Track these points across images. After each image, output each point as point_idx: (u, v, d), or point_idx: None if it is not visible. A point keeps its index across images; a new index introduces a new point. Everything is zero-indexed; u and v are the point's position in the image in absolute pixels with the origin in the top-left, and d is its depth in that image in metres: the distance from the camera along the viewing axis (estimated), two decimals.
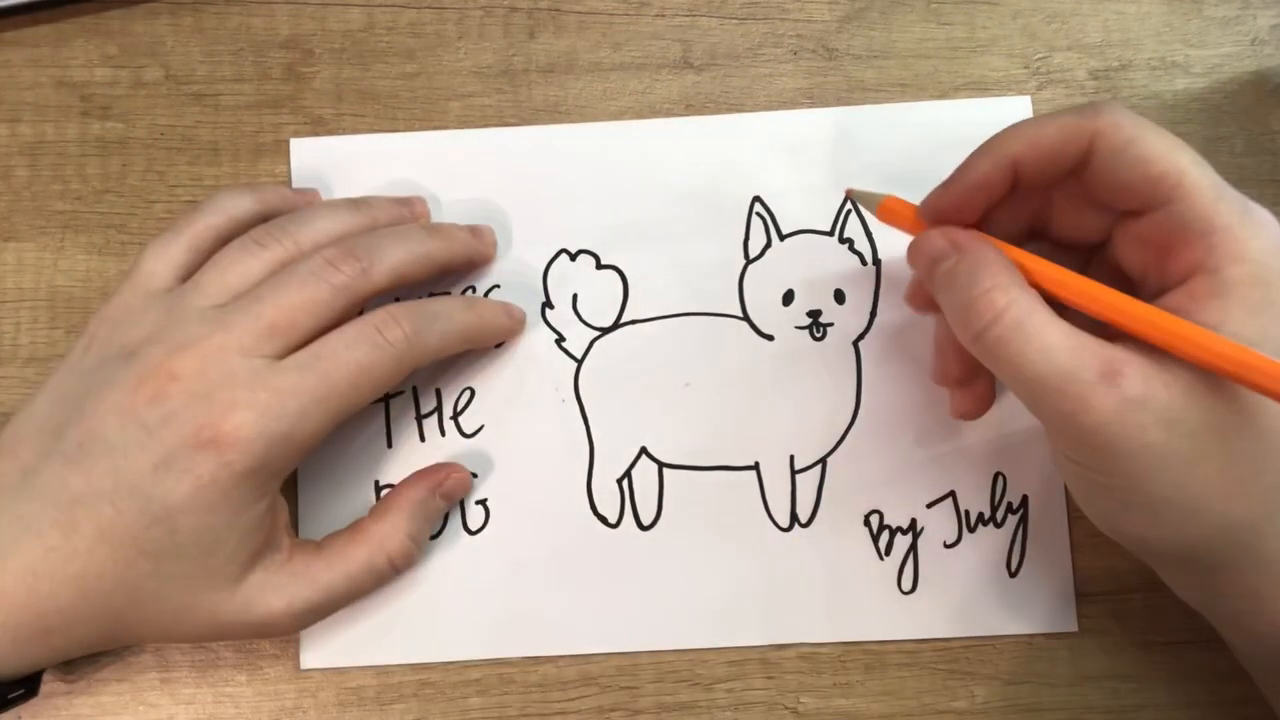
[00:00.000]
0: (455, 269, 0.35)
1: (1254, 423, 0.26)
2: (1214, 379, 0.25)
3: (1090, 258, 0.31)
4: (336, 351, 0.29)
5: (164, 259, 0.32)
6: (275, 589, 0.30)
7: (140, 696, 0.34)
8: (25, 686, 0.30)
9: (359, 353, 0.30)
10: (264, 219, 0.34)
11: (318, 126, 0.37)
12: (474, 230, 0.35)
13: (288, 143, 0.37)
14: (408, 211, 0.35)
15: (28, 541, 0.28)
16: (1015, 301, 0.26)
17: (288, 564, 0.31)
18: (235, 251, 0.31)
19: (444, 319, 0.32)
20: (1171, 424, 0.25)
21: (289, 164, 0.37)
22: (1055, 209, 0.30)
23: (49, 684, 0.34)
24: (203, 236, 0.32)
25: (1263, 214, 0.26)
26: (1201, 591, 0.29)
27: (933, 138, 0.37)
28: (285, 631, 0.32)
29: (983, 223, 0.30)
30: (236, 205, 0.33)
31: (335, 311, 0.30)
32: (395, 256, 0.31)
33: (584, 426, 0.36)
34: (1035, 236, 0.31)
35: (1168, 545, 0.28)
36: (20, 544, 0.28)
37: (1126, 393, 0.25)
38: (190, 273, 0.32)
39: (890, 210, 0.32)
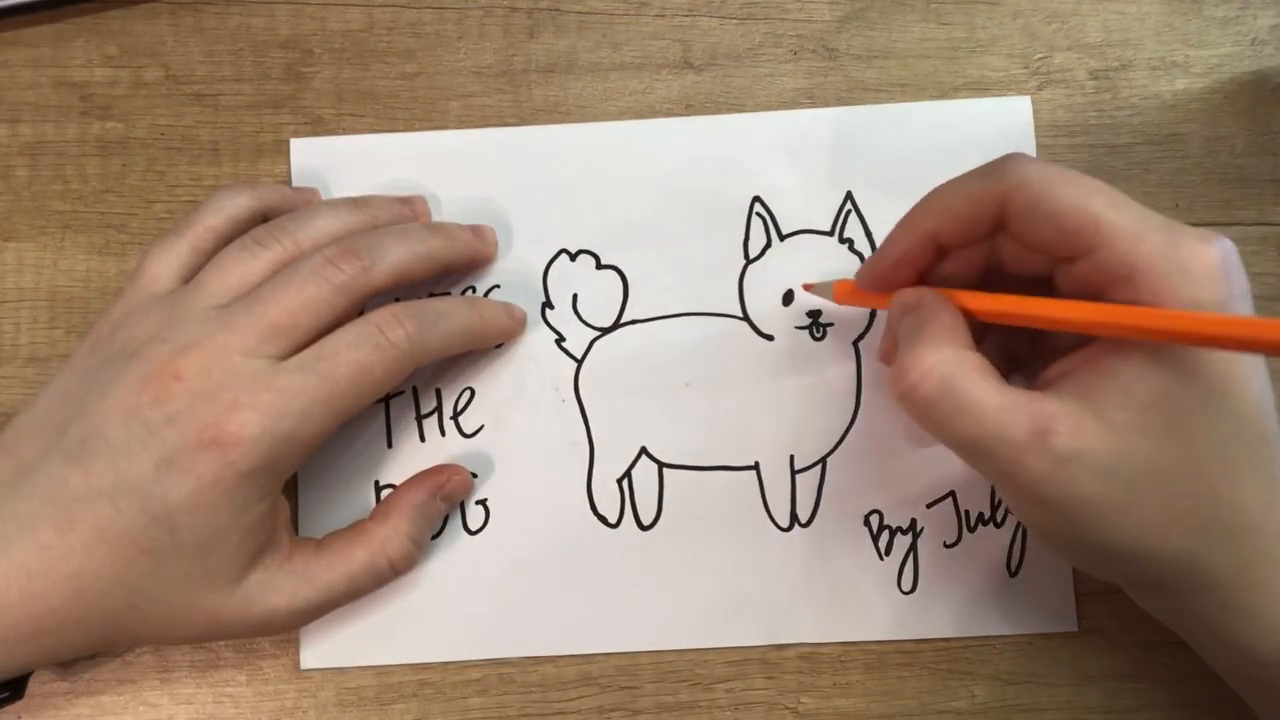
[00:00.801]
0: (457, 268, 0.35)
1: (1190, 461, 0.26)
2: (1147, 423, 0.25)
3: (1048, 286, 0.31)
4: (338, 351, 0.29)
5: (166, 261, 0.32)
6: (275, 588, 0.30)
7: (140, 696, 0.34)
8: (11, 689, 0.30)
9: (361, 353, 0.30)
10: (264, 217, 0.34)
11: (318, 126, 0.37)
12: (475, 230, 0.35)
13: (288, 143, 0.37)
14: (408, 210, 0.35)
15: (22, 540, 0.28)
16: (943, 360, 0.26)
17: (288, 563, 0.31)
18: (236, 252, 0.31)
19: (446, 319, 0.32)
20: (1105, 475, 0.25)
21: (289, 164, 0.37)
22: (1001, 253, 0.30)
23: (49, 684, 0.34)
24: (204, 238, 0.32)
25: (1193, 242, 0.26)
26: (1157, 609, 0.30)
27: (933, 138, 0.37)
28: (284, 630, 0.32)
29: (932, 273, 0.30)
30: (235, 205, 0.33)
31: (337, 311, 0.30)
32: (397, 255, 0.31)
33: (584, 426, 0.36)
34: (994, 273, 0.31)
35: (1116, 576, 0.29)
36: (14, 543, 0.28)
37: (1058, 450, 0.25)
38: (193, 274, 0.32)
39: (845, 292, 0.33)
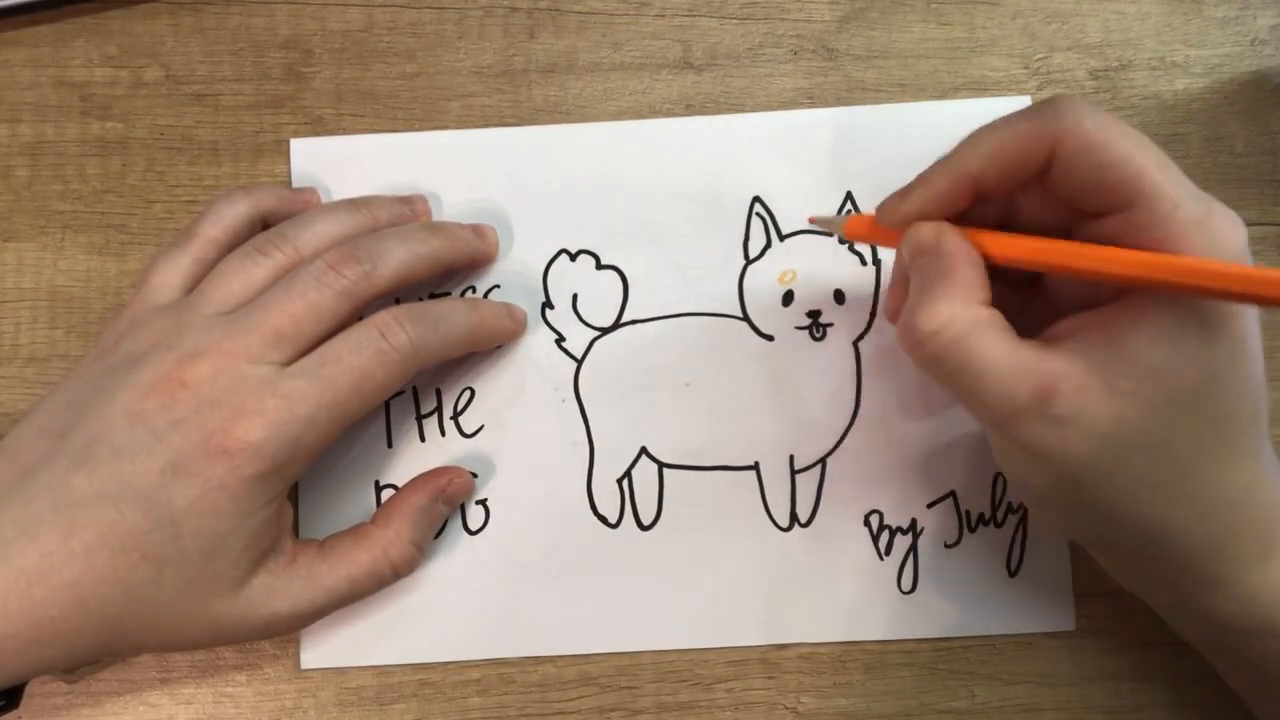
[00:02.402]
0: (458, 268, 0.35)
1: (1185, 435, 0.26)
2: (1150, 393, 0.26)
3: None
4: (341, 357, 0.30)
5: (170, 272, 0.32)
6: (278, 592, 0.30)
7: (140, 696, 0.34)
8: (7, 699, 0.30)
9: (364, 357, 0.30)
10: (264, 222, 0.34)
11: (318, 126, 0.37)
12: (476, 229, 0.35)
13: (288, 143, 0.37)
14: (409, 210, 0.35)
15: (22, 545, 0.27)
16: (957, 319, 0.26)
17: (291, 567, 0.31)
18: (238, 260, 0.31)
19: (447, 321, 0.32)
20: (1101, 438, 0.26)
21: (289, 164, 0.37)
22: (1017, 207, 0.30)
23: (49, 684, 0.34)
24: (206, 249, 0.32)
25: (1223, 221, 0.26)
26: (1128, 576, 0.30)
27: (933, 138, 0.36)
28: (285, 633, 0.32)
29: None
30: (233, 214, 0.33)
31: (339, 315, 0.30)
32: (398, 258, 0.32)
33: (584, 426, 0.36)
34: (1007, 227, 0.31)
35: (1090, 539, 0.30)
36: (14, 548, 0.27)
37: (1058, 413, 0.25)
38: (196, 284, 0.32)
39: (857, 228, 0.31)
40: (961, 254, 0.27)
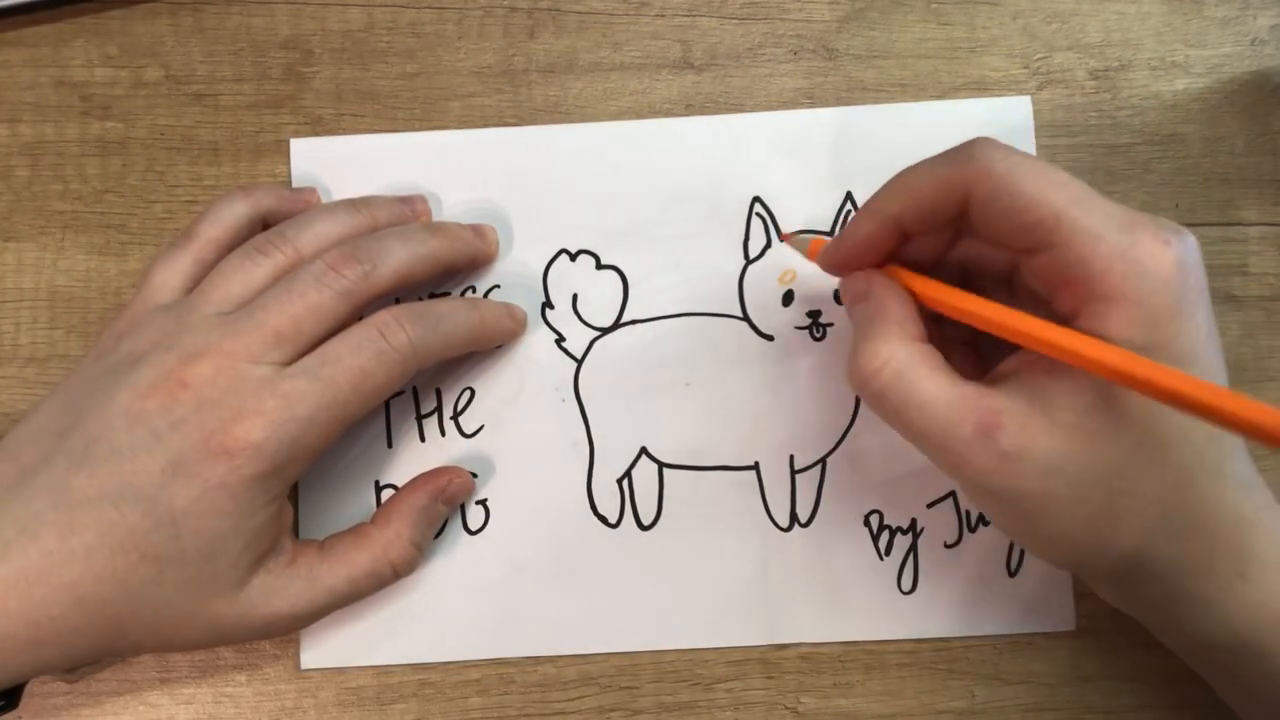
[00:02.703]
0: (458, 268, 0.35)
1: (1136, 462, 0.26)
2: (1094, 424, 0.26)
3: (1012, 281, 0.31)
4: (341, 357, 0.30)
5: (170, 273, 0.32)
6: (278, 592, 0.30)
7: (140, 696, 0.34)
8: (6, 699, 0.30)
9: (363, 358, 0.30)
10: (262, 222, 0.34)
11: (318, 126, 0.37)
12: (476, 229, 0.35)
13: (288, 143, 0.37)
14: (409, 210, 0.35)
15: (22, 545, 0.27)
16: (895, 356, 0.27)
17: (290, 566, 0.31)
18: (238, 260, 0.31)
19: (447, 321, 0.32)
20: (1049, 472, 0.26)
21: (289, 164, 0.37)
22: (964, 243, 0.30)
23: (49, 684, 0.34)
24: (206, 249, 0.32)
25: (1152, 247, 0.26)
26: (1112, 597, 0.30)
27: (933, 138, 0.36)
28: (285, 633, 0.32)
29: (894, 257, 0.30)
30: (233, 214, 0.33)
31: (340, 316, 0.30)
32: (398, 258, 0.32)
33: (584, 426, 0.36)
34: (958, 269, 0.31)
35: (1068, 565, 0.30)
36: (14, 548, 0.27)
37: (1003, 446, 0.26)
38: (196, 284, 0.32)
39: (817, 253, 0.32)
40: (890, 295, 0.29)
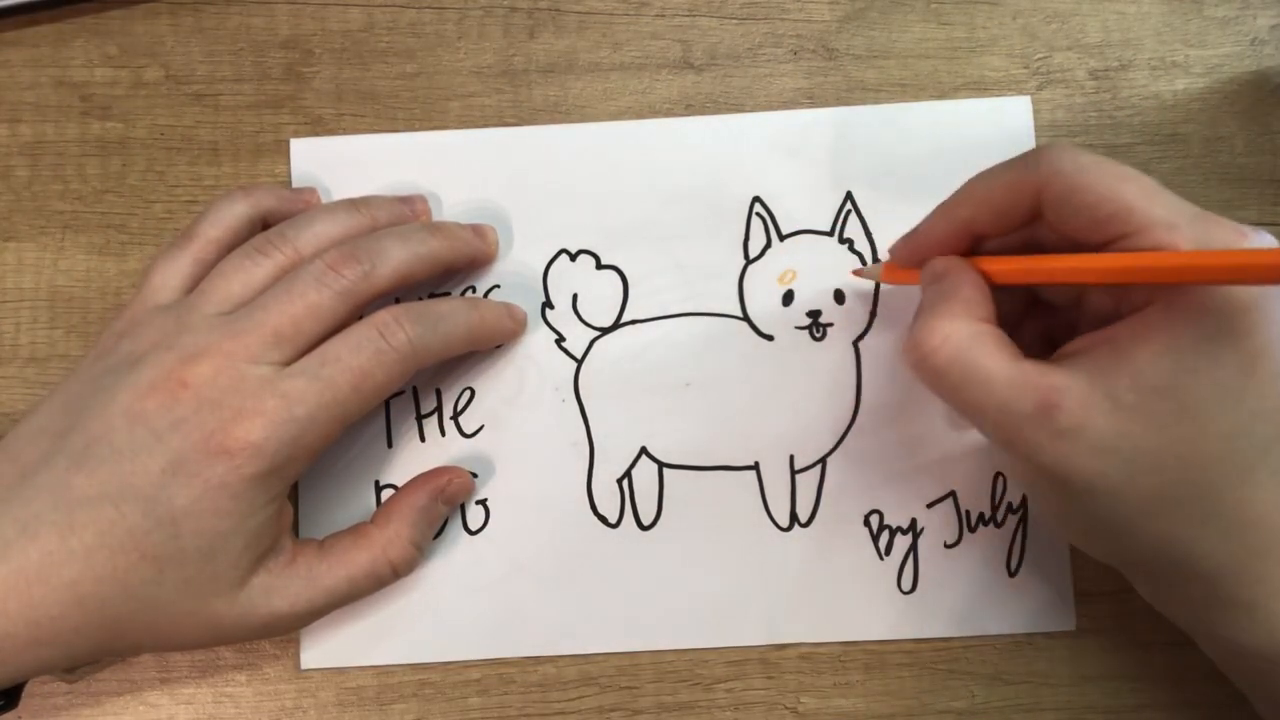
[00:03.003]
0: (458, 268, 0.35)
1: (1195, 451, 0.26)
2: (1155, 408, 0.26)
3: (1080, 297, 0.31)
4: (341, 357, 0.30)
5: (170, 273, 0.32)
6: (277, 591, 0.30)
7: (140, 696, 0.34)
8: (5, 699, 0.30)
9: (363, 357, 0.30)
10: (262, 222, 0.34)
11: (318, 126, 0.37)
12: (476, 229, 0.35)
13: (288, 143, 0.37)
14: (408, 210, 0.35)
15: (22, 545, 0.27)
16: (958, 331, 0.27)
17: (290, 566, 0.31)
18: (238, 260, 0.31)
19: (447, 320, 0.32)
20: (1105, 451, 0.26)
21: (289, 164, 0.37)
22: (1042, 239, 0.30)
23: (49, 684, 0.34)
24: (206, 249, 0.32)
25: (1224, 238, 0.26)
26: (1150, 593, 0.30)
27: (933, 138, 0.37)
28: (284, 633, 0.32)
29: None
30: (233, 214, 0.33)
31: (339, 316, 0.30)
32: (398, 257, 0.32)
33: (584, 426, 0.36)
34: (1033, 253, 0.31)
35: (1110, 555, 0.30)
36: (14, 548, 0.27)
37: (1061, 425, 0.26)
38: (196, 284, 0.32)
39: (891, 272, 0.33)
40: (963, 278, 0.29)
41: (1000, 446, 0.28)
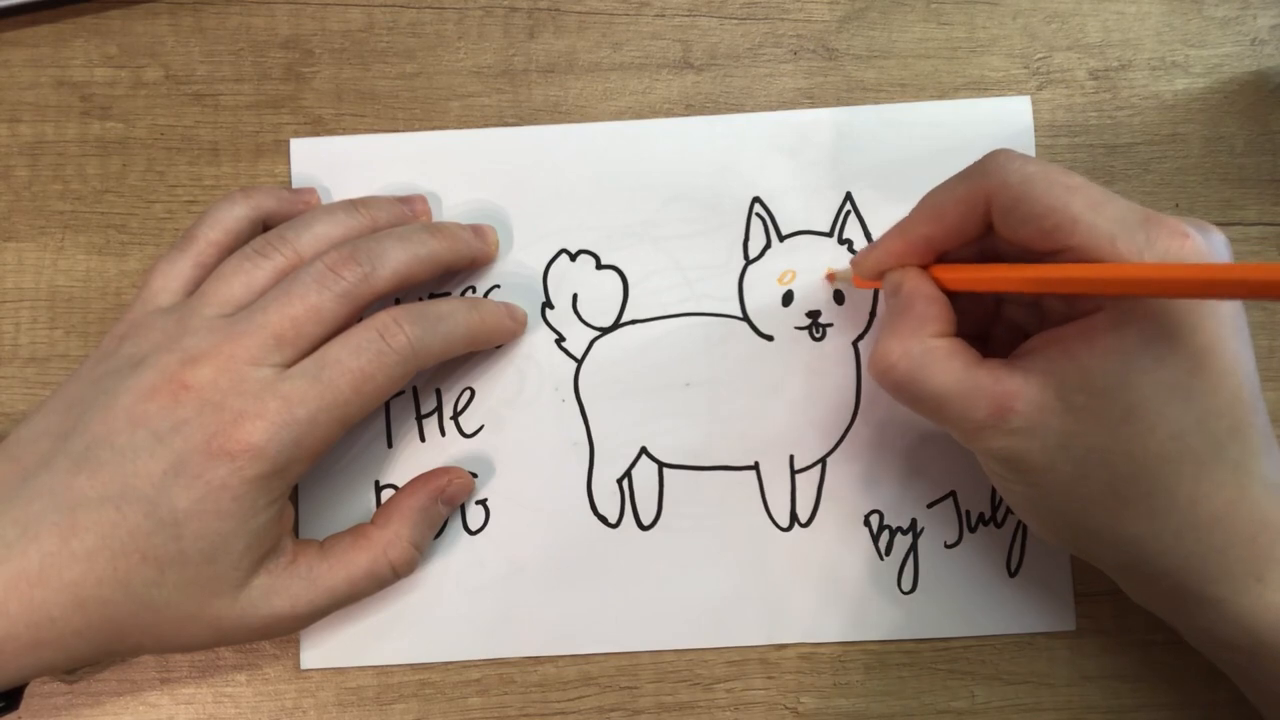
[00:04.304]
0: (458, 269, 0.35)
1: (1144, 449, 0.26)
2: (1103, 408, 0.26)
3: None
4: (341, 359, 0.30)
5: (171, 276, 0.32)
6: (278, 592, 0.30)
7: (140, 696, 0.34)
8: (6, 700, 0.30)
9: (363, 359, 0.30)
10: (262, 223, 0.34)
11: (318, 126, 0.37)
12: (476, 229, 0.35)
13: (288, 143, 0.37)
14: (408, 211, 0.35)
15: (23, 547, 0.27)
16: (908, 352, 0.28)
17: (291, 566, 0.31)
18: (238, 262, 0.31)
19: (447, 321, 0.32)
20: (1056, 449, 0.27)
21: (289, 164, 0.37)
22: (996, 248, 0.30)
23: (48, 684, 0.34)
24: (206, 252, 0.33)
25: (1168, 243, 0.26)
26: (1133, 594, 0.30)
27: (933, 138, 0.37)
28: (286, 632, 0.32)
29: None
30: (232, 216, 0.33)
31: (340, 318, 0.30)
32: (398, 259, 0.32)
33: (584, 426, 0.36)
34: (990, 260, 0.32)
35: (1076, 552, 0.31)
36: (14, 550, 0.27)
37: (1014, 426, 0.27)
38: (196, 287, 0.32)
39: (860, 280, 0.34)
40: (919, 294, 0.30)
41: (963, 443, 0.29)
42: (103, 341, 0.31)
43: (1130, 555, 0.28)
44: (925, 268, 0.30)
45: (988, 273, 0.29)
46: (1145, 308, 0.26)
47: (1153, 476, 0.26)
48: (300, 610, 0.30)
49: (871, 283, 0.32)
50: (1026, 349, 0.28)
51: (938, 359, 0.28)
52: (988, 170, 0.28)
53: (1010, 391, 0.27)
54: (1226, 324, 0.26)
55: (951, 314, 0.29)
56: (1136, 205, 0.27)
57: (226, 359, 0.29)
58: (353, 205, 0.34)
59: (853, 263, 0.33)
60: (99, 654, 0.29)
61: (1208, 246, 0.26)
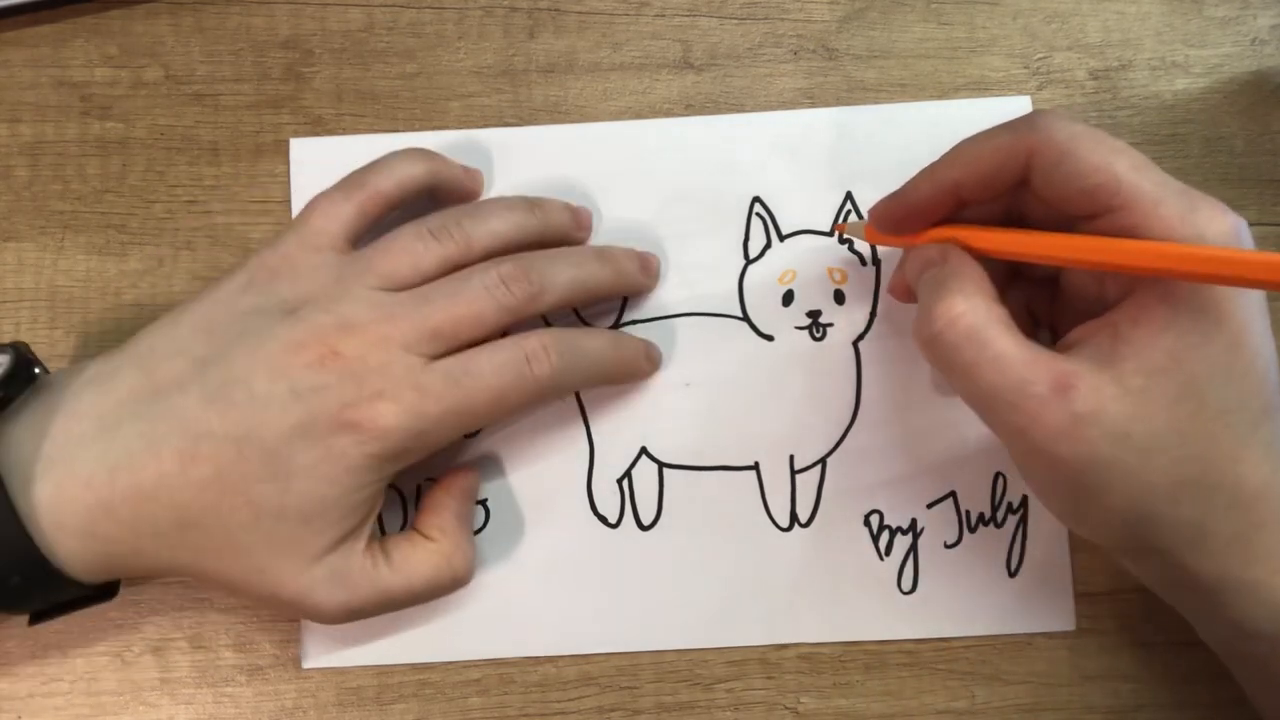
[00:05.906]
0: (615, 298, 0.36)
1: (1198, 427, 0.26)
2: (1160, 387, 0.26)
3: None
4: (484, 373, 0.30)
5: (333, 217, 0.31)
6: (343, 577, 0.30)
7: (140, 696, 0.34)
8: (104, 592, 0.30)
9: (505, 379, 0.30)
10: (433, 189, 0.34)
11: (318, 126, 0.37)
12: (643, 261, 0.35)
13: (288, 143, 0.37)
14: (573, 221, 0.35)
15: (145, 461, 0.28)
16: (973, 309, 0.27)
17: (362, 557, 0.30)
18: (408, 239, 0.31)
19: (590, 358, 0.32)
20: (1120, 438, 0.26)
21: (289, 164, 0.37)
22: (1024, 207, 0.30)
23: (48, 684, 0.34)
24: (373, 200, 0.32)
25: (1211, 215, 0.26)
26: (1153, 578, 0.30)
27: (933, 138, 0.36)
28: (330, 621, 0.31)
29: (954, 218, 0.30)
30: (408, 172, 0.33)
31: (497, 329, 0.31)
32: (566, 284, 0.32)
33: (584, 426, 0.36)
34: (1015, 225, 0.32)
35: (1116, 541, 0.29)
36: (137, 461, 0.28)
37: (1077, 407, 0.26)
38: (356, 235, 0.32)
39: (873, 234, 0.33)
40: (967, 259, 0.29)
41: (1011, 434, 0.27)
42: (248, 265, 0.31)
43: (1185, 540, 0.27)
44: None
45: (1038, 239, 0.28)
46: (1187, 286, 0.26)
47: (1204, 457, 0.26)
48: (354, 604, 0.30)
49: (885, 237, 0.32)
50: (1071, 340, 0.28)
51: (1001, 321, 0.27)
52: (1035, 124, 0.28)
53: (1069, 370, 0.26)
54: (1255, 305, 0.27)
55: (993, 286, 0.29)
56: (1173, 178, 0.27)
57: (380, 338, 0.29)
58: (529, 206, 0.34)
59: (871, 210, 0.32)
60: (174, 572, 0.30)
61: (1239, 225, 0.26)
